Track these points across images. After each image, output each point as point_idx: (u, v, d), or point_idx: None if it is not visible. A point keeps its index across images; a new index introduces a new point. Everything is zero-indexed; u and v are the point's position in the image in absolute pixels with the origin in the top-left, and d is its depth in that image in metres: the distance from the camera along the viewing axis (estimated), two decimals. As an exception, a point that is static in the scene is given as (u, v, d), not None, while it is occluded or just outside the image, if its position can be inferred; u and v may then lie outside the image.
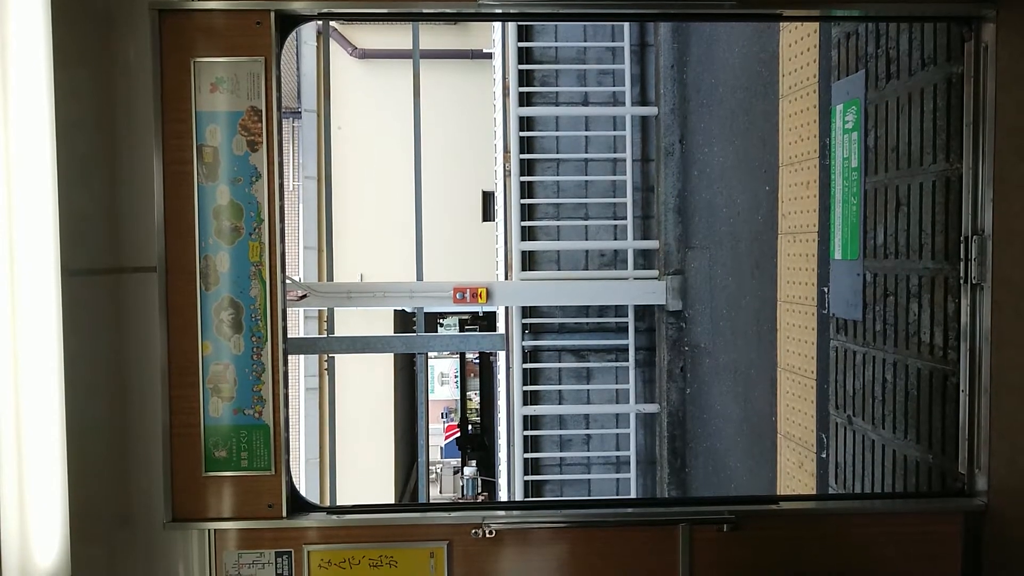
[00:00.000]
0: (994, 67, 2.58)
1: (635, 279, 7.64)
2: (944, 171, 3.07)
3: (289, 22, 2.59)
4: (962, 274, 2.72)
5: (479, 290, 7.14)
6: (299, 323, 10.88)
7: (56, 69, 2.05)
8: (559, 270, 7.88)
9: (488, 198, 11.00)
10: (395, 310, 11.40)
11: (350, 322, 10.69)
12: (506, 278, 7.76)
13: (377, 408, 11.76)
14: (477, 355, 19.23)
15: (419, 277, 7.63)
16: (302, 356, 10.58)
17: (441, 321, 17.36)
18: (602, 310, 7.99)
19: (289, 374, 2.61)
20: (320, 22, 10.10)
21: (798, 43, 4.75)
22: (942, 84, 3.07)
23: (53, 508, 2.03)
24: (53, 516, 2.03)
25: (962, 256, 2.71)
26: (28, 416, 1.99)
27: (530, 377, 7.88)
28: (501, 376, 8.16)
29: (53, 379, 2.03)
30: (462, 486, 17.31)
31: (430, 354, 13.26)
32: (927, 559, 2.62)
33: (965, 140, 2.69)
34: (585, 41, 7.95)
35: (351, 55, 11.35)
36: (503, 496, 8.16)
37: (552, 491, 7.99)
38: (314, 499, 8.82)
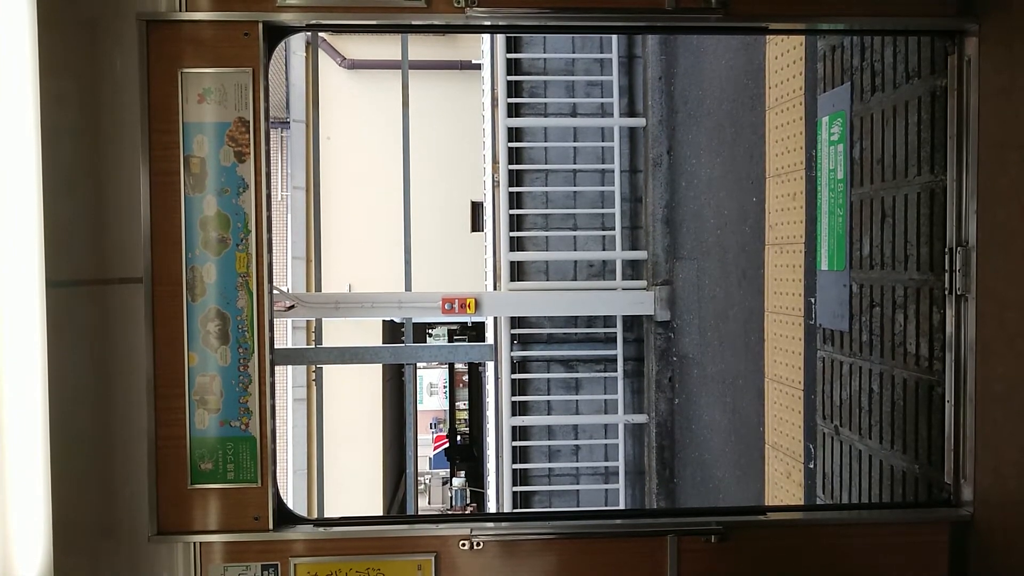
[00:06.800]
0: (977, 80, 2.61)
1: (623, 289, 7.66)
2: (929, 183, 3.09)
3: (277, 33, 2.59)
4: (947, 285, 2.74)
5: (468, 300, 7.13)
6: (287, 333, 10.84)
7: (42, 77, 2.04)
8: (548, 280, 7.89)
9: (477, 208, 11.01)
10: (383, 321, 11.38)
11: (338, 332, 10.67)
12: (495, 288, 7.76)
13: (365, 419, 11.71)
14: (466, 365, 19.20)
15: (408, 287, 7.62)
16: (289, 367, 10.54)
17: (430, 331, 17.32)
18: (590, 320, 8.00)
19: (276, 385, 2.60)
20: (309, 32, 10.10)
21: (784, 55, 4.79)
22: (926, 97, 3.10)
23: (36, 520, 2.01)
24: (36, 528, 2.01)
25: (947, 267, 2.73)
26: (11, 427, 1.97)
27: (519, 387, 7.87)
28: (490, 386, 8.15)
29: (37, 390, 2.01)
30: (451, 497, 17.25)
31: (419, 364, 13.23)
32: (913, 569, 2.63)
33: (949, 152, 2.72)
34: (573, 52, 7.98)
35: (340, 65, 11.36)
36: (492, 507, 8.14)
37: (541, 502, 7.98)
38: (302, 511, 8.78)
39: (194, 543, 2.53)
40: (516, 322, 7.89)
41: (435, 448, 20.69)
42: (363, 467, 11.68)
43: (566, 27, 2.75)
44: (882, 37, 3.43)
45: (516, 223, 7.85)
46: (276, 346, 2.61)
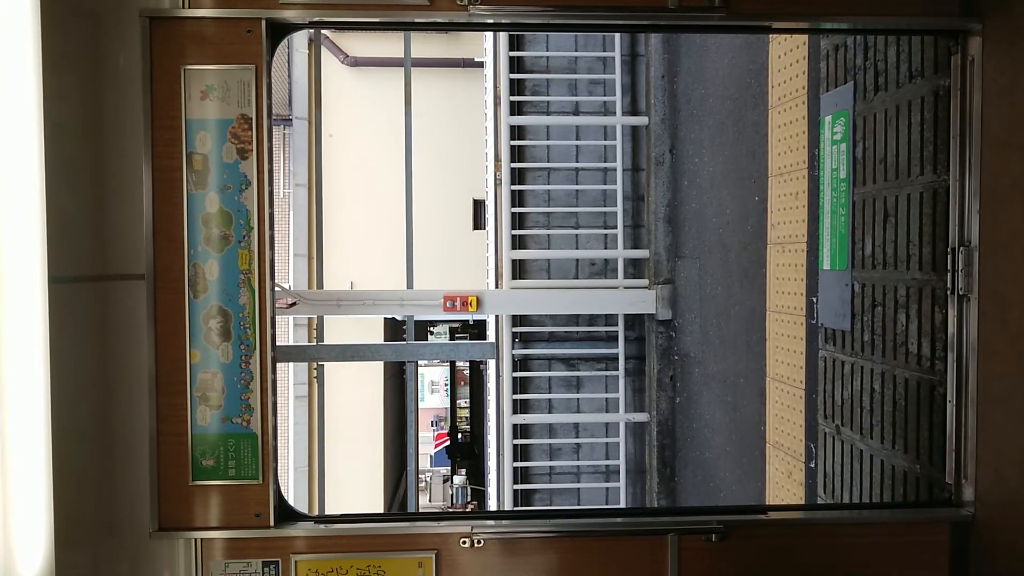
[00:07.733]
0: (980, 80, 2.60)
1: (625, 288, 7.65)
2: (931, 183, 3.09)
3: (280, 30, 2.59)
4: (949, 285, 2.73)
5: (469, 298, 7.13)
6: (288, 330, 10.84)
7: (45, 74, 2.04)
8: (549, 279, 7.89)
9: (479, 206, 11.00)
10: (385, 318, 11.38)
11: (340, 330, 10.67)
12: (496, 287, 7.76)
13: (366, 417, 11.71)
14: (467, 363, 19.22)
15: (409, 285, 7.62)
16: (291, 364, 10.54)
17: (431, 329, 17.33)
18: (592, 319, 8.00)
19: (278, 382, 2.60)
20: (312, 30, 10.09)
21: (787, 55, 4.79)
22: (929, 97, 3.10)
23: (38, 516, 2.02)
24: (37, 524, 2.02)
25: (949, 267, 2.73)
26: (13, 423, 1.98)
27: (520, 386, 7.87)
28: (491, 384, 8.15)
29: (39, 386, 2.02)
30: (451, 495, 17.27)
31: (420, 362, 13.23)
32: (914, 569, 2.63)
33: (952, 152, 2.72)
34: (576, 51, 7.98)
35: (343, 63, 11.35)
36: (492, 505, 8.14)
37: (541, 500, 7.98)
38: (303, 508, 8.78)
39: (195, 539, 2.54)
40: (517, 320, 7.89)
41: (436, 446, 20.70)
42: (364, 464, 11.69)
43: (569, 25, 2.74)
44: (885, 36, 3.42)
45: (518, 221, 7.85)
46: (278, 343, 2.61)
